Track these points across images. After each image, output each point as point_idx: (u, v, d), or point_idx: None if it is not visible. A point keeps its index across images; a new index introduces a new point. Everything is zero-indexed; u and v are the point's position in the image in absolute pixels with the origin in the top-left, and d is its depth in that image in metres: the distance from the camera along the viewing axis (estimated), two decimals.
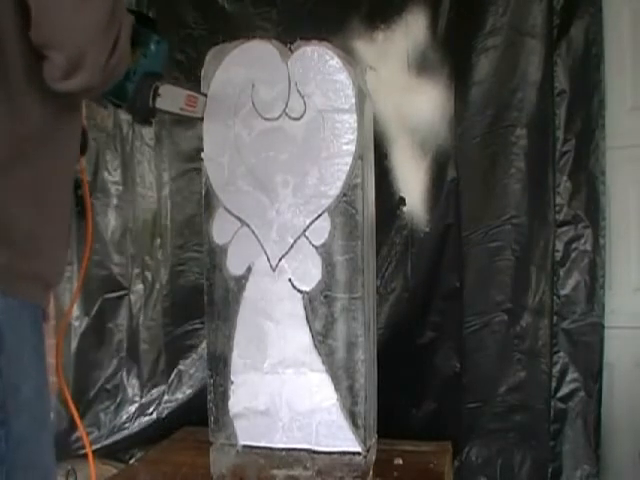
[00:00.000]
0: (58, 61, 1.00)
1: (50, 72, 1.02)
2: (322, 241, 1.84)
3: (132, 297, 2.95)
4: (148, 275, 2.94)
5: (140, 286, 2.95)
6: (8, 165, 1.03)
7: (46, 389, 1.13)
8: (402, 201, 2.61)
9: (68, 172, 1.19)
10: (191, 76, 1.78)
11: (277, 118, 1.86)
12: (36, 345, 1.10)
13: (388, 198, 2.56)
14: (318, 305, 1.85)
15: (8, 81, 1.01)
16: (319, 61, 1.82)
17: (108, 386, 2.93)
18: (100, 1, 1.02)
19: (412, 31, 2.57)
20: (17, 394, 1.04)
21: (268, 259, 1.88)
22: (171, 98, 1.59)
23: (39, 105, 1.05)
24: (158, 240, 2.92)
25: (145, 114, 1.53)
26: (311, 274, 1.85)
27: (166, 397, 2.88)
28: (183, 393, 2.87)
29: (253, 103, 1.87)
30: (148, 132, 2.87)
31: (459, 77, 2.54)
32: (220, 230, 1.91)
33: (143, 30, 1.38)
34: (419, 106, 2.58)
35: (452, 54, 2.54)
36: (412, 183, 2.60)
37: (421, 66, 2.57)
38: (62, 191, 1.17)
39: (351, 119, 1.81)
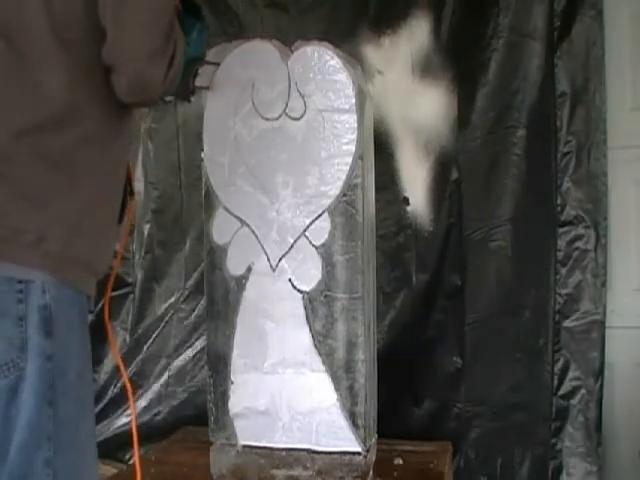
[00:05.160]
0: (123, 81, 1.17)
1: (117, 87, 1.19)
2: (322, 241, 1.84)
3: (136, 295, 2.96)
4: (152, 273, 2.95)
5: (145, 284, 2.96)
6: (62, 160, 1.14)
7: (88, 376, 1.22)
8: (406, 201, 2.62)
9: (120, 169, 1.30)
10: None
11: (277, 118, 1.86)
12: (82, 334, 1.20)
13: (392, 198, 2.59)
14: (318, 305, 1.85)
15: (77, 88, 1.15)
16: (319, 61, 1.82)
17: (109, 384, 2.94)
18: (159, 31, 1.17)
19: (416, 35, 2.58)
20: (64, 377, 1.12)
21: (268, 259, 1.88)
22: (206, 75, 1.72)
23: (97, 107, 1.19)
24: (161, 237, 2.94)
25: (187, 94, 1.64)
26: (311, 274, 1.85)
27: (167, 396, 2.88)
28: (184, 392, 2.87)
29: (253, 103, 1.87)
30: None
31: (462, 79, 2.56)
32: (220, 230, 1.92)
33: (188, 19, 1.47)
34: (423, 108, 2.59)
35: (455, 57, 2.56)
36: (416, 183, 2.61)
37: (425, 69, 2.59)
38: (112, 184, 1.28)
39: (351, 119, 1.81)
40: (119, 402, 2.92)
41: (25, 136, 1.10)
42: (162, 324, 2.94)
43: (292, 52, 1.85)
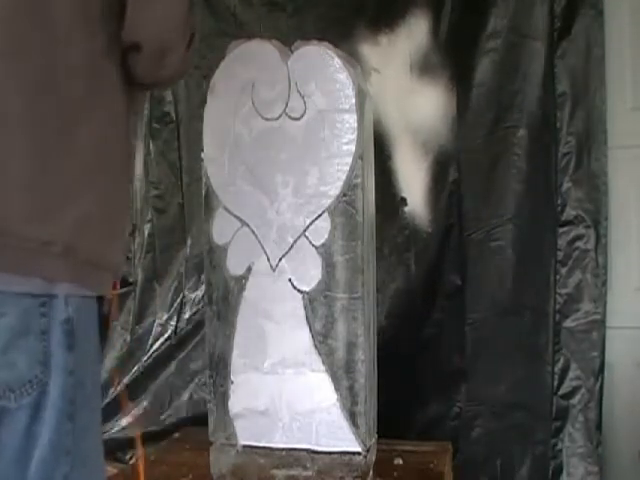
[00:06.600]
0: (142, 60, 1.13)
1: (134, 67, 1.14)
2: (322, 241, 1.84)
3: (137, 294, 2.97)
4: (152, 273, 2.96)
5: (145, 284, 2.97)
6: (85, 155, 1.08)
7: (99, 380, 1.19)
8: (404, 201, 2.61)
9: (131, 154, 1.27)
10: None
11: (277, 118, 1.85)
12: (97, 341, 1.16)
13: (390, 198, 2.58)
14: (318, 305, 1.85)
15: (99, 71, 1.10)
16: (319, 61, 1.81)
17: (110, 385, 2.94)
18: (179, 11, 1.14)
19: (415, 34, 2.59)
20: (83, 390, 1.09)
21: (268, 259, 1.88)
22: None
23: (120, 89, 1.15)
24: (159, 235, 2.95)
25: None
26: (311, 274, 1.85)
27: (167, 396, 2.89)
28: (183, 392, 2.87)
29: (253, 103, 1.87)
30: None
31: (461, 79, 2.56)
32: (220, 230, 1.91)
33: None
34: (422, 108, 2.59)
35: (454, 56, 2.56)
36: (414, 184, 2.61)
37: (424, 68, 2.59)
38: (129, 174, 1.25)
39: (351, 119, 1.81)
40: (120, 403, 2.92)
41: (48, 137, 1.04)
42: (162, 324, 2.95)
43: (292, 52, 1.85)
